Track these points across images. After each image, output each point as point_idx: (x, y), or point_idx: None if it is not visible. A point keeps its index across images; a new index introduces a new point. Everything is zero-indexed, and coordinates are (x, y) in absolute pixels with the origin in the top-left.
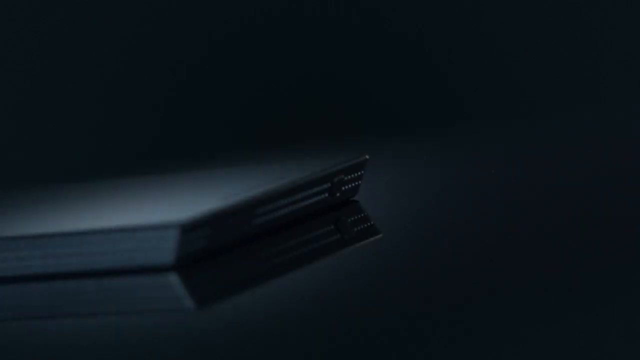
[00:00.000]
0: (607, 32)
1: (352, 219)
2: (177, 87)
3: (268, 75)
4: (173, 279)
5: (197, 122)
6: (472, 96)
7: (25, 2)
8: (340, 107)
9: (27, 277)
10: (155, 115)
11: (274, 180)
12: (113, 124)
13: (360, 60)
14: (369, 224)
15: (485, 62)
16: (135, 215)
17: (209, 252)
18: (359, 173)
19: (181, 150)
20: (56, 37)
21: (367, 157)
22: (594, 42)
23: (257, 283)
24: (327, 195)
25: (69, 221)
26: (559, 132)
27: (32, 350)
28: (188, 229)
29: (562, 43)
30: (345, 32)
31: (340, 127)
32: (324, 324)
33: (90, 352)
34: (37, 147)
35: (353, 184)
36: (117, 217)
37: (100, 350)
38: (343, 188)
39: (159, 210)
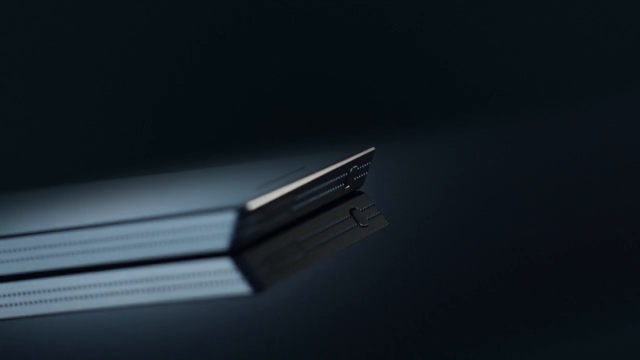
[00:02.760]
0: (609, 26)
1: (363, 208)
2: (184, 84)
3: (263, 74)
4: (226, 264)
5: (197, 123)
6: (473, 89)
7: (25, 2)
8: (330, 105)
9: (82, 267)
10: (163, 112)
11: (300, 170)
12: (115, 124)
13: (356, 58)
14: (377, 214)
15: (490, 56)
16: (180, 206)
17: (257, 238)
18: (367, 164)
19: (185, 149)
20: (56, 38)
21: (374, 148)
22: (595, 37)
23: (301, 267)
24: (343, 185)
25: (116, 214)
26: (563, 126)
27: (91, 338)
28: (245, 213)
29: (564, 38)
30: (345, 28)
31: (331, 124)
32: (369, 302)
33: (148, 339)
34: (42, 147)
35: (361, 175)
36: (163, 208)
37: (158, 337)
38: (354, 178)
39: (202, 200)
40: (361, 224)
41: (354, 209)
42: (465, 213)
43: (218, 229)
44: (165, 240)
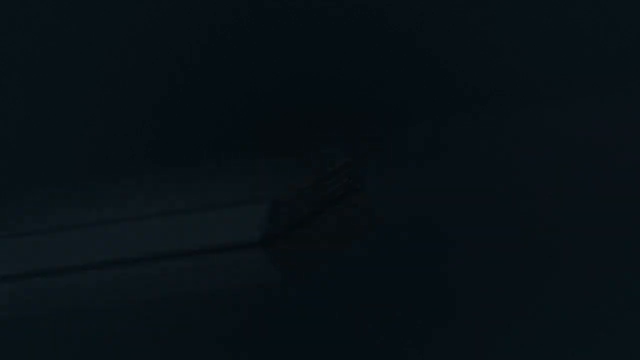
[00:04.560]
0: (608, 26)
1: (363, 204)
2: (184, 84)
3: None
4: (259, 255)
5: (197, 122)
6: (473, 89)
7: (25, 2)
8: (330, 105)
9: (117, 261)
10: (163, 112)
11: (311, 166)
12: (115, 124)
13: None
14: (375, 208)
15: (490, 56)
16: (207, 199)
17: (285, 229)
18: (366, 161)
19: (186, 149)
20: (56, 38)
21: (372, 145)
22: (595, 37)
23: (328, 256)
24: (347, 180)
25: (145, 207)
26: (563, 126)
27: (131, 327)
28: (279, 205)
29: (564, 38)
30: (345, 28)
31: (331, 124)
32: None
33: (181, 329)
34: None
35: (361, 171)
36: (191, 202)
37: (191, 326)
38: (355, 175)
39: (227, 194)
40: (362, 217)
41: (357, 204)
42: (464, 213)
43: (252, 220)
44: (199, 232)
